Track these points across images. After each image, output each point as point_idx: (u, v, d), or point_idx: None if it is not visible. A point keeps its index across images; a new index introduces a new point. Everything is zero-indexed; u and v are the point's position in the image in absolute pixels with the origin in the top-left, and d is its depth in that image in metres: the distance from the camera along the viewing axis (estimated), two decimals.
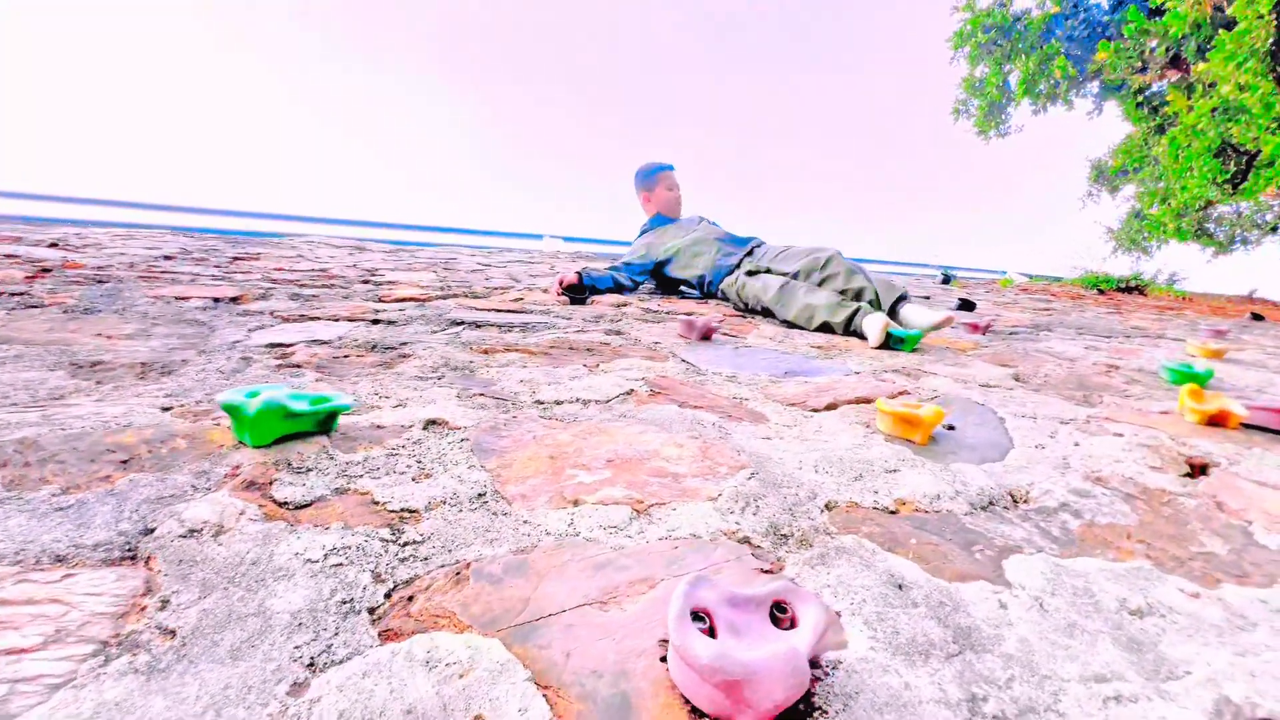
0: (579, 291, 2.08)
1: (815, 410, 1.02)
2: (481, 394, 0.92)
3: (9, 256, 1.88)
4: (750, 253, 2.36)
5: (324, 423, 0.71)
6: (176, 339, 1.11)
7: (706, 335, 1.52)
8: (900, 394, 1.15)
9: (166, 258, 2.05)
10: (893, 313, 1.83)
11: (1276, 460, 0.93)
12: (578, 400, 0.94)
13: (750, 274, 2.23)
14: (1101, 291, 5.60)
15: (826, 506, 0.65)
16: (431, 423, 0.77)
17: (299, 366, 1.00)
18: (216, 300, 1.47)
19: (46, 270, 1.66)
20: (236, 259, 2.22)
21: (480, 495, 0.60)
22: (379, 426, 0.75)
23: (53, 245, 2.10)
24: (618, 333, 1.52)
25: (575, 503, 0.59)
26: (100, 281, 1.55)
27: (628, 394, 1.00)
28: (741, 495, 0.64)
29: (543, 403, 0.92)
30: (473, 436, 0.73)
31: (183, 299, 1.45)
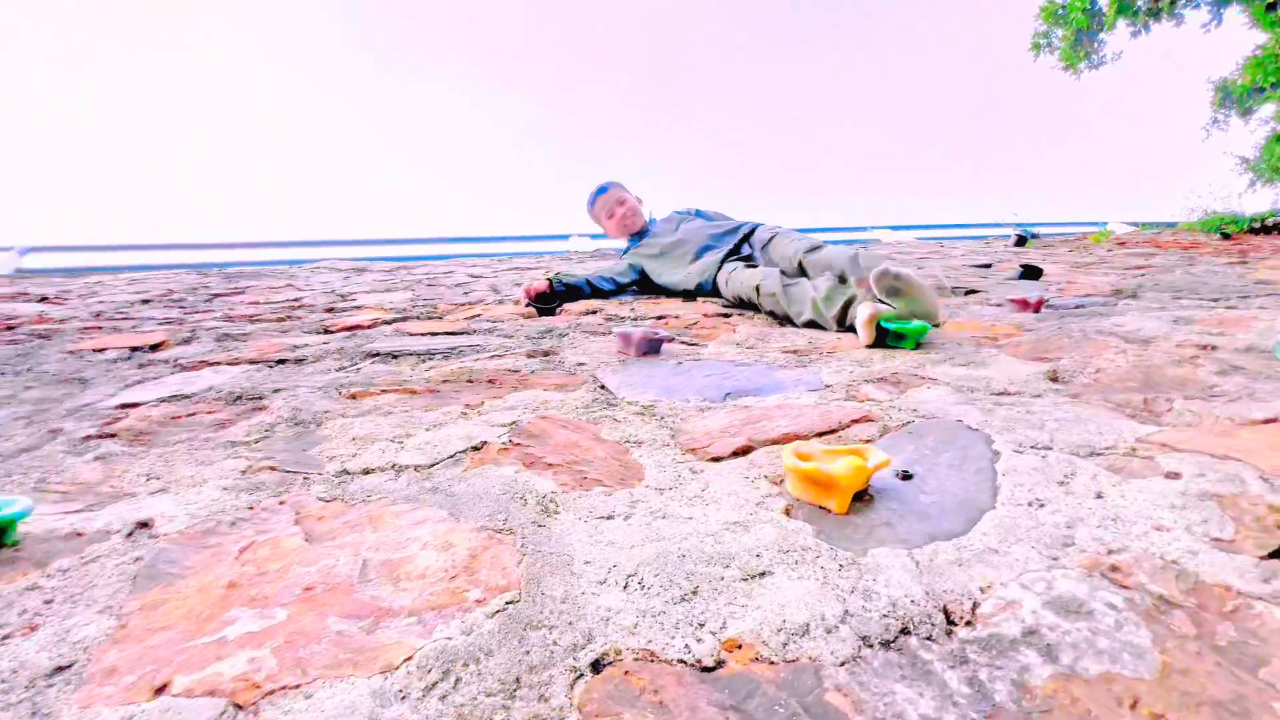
0: (548, 300, 1.89)
1: (718, 458, 0.76)
2: (273, 467, 0.74)
3: None
4: (746, 239, 2.06)
5: None
6: (30, 405, 1.02)
7: (653, 348, 1.28)
8: (857, 421, 0.86)
9: (144, 302, 2.07)
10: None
11: None
12: (394, 466, 0.74)
13: (745, 262, 1.95)
14: (1226, 236, 4.70)
15: (595, 665, 0.41)
16: (142, 525, 0.60)
17: (114, 436, 0.87)
18: (134, 349, 1.40)
19: (10, 328, 1.68)
20: (216, 296, 2.21)
21: (59, 670, 0.41)
22: (78, 534, 0.59)
23: (42, 299, 2.18)
24: (547, 353, 1.30)
25: (160, 689, 0.39)
26: (41, 337, 1.53)
27: (475, 449, 0.79)
28: (449, 656, 0.41)
29: (348, 472, 0.73)
30: (159, 549, 0.55)
31: (100, 350, 1.39)
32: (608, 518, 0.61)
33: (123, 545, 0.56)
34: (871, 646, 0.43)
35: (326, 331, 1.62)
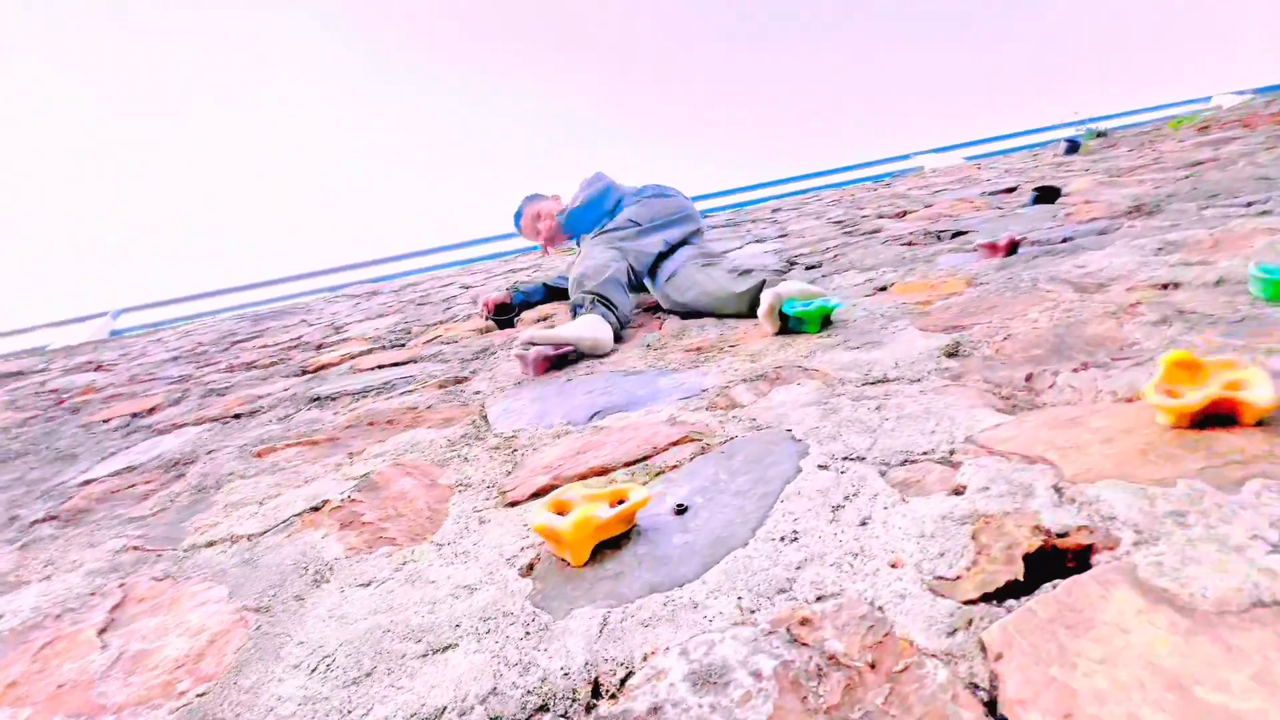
0: (507, 312, 1.93)
1: (515, 502, 0.77)
2: (138, 546, 0.84)
3: (38, 393, 2.27)
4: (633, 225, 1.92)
5: None
6: (23, 486, 1.21)
7: (555, 364, 1.29)
8: (676, 444, 0.84)
9: (174, 359, 2.33)
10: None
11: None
12: (232, 538, 0.82)
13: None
14: None
15: None
16: None
17: (56, 518, 1.01)
18: (134, 415, 1.60)
19: (60, 402, 1.96)
20: (235, 343, 2.45)
21: None
22: None
23: (97, 368, 2.51)
24: (459, 380, 1.35)
25: None
26: (73, 410, 1.79)
27: (314, 509, 0.85)
28: None
29: (196, 546, 0.81)
30: None
31: (107, 420, 1.60)
32: (364, 585, 0.65)
33: None
34: None
35: (303, 373, 1.76)
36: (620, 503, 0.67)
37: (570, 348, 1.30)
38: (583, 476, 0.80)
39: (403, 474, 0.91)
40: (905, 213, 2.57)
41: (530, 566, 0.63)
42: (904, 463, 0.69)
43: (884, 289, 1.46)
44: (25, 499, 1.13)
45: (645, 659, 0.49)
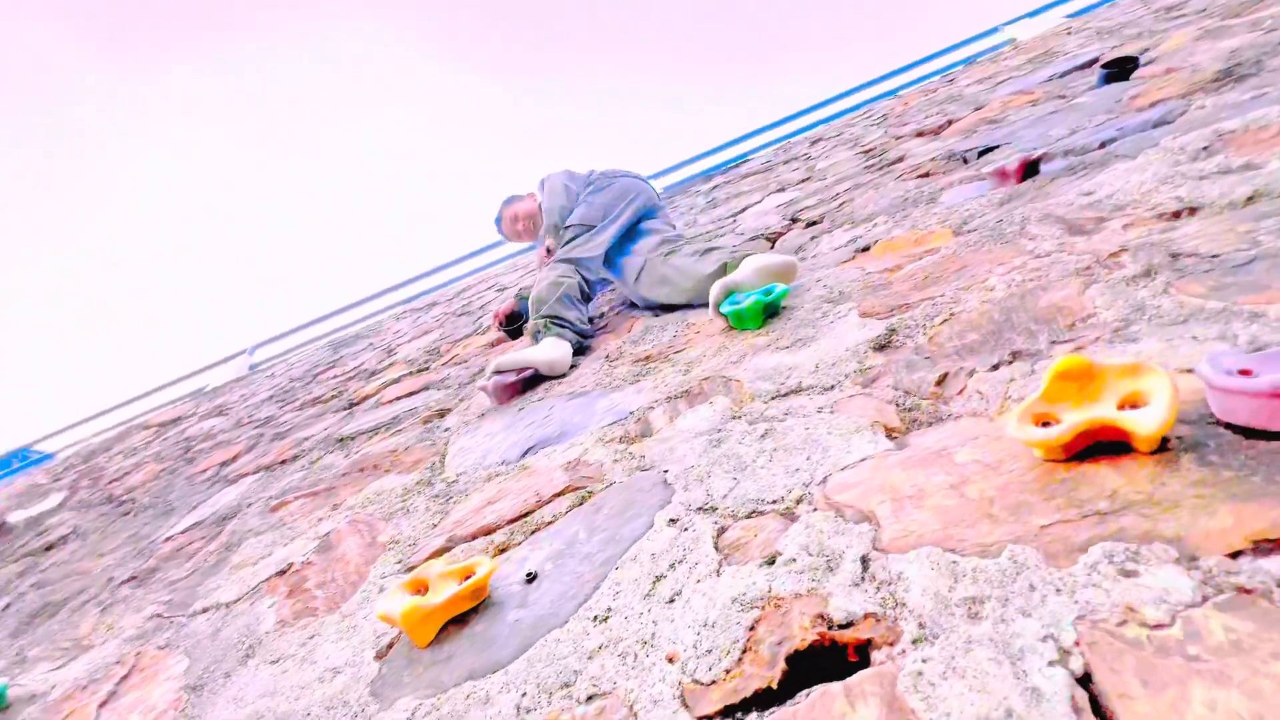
0: (517, 321, 1.98)
1: (412, 567, 0.82)
2: (161, 614, 1.02)
3: (178, 443, 2.72)
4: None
5: None
6: (127, 546, 1.49)
7: (521, 388, 1.32)
8: (559, 495, 0.83)
9: (270, 398, 2.69)
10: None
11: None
12: (218, 606, 0.96)
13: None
14: None
15: None
16: (32, 697, 0.90)
17: (135, 579, 1.25)
18: (223, 465, 1.89)
19: (186, 448, 2.36)
20: (315, 376, 2.76)
21: None
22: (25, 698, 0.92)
23: (219, 413, 2.96)
24: (445, 412, 1.42)
25: None
26: (188, 461, 2.14)
27: (280, 574, 0.97)
28: None
29: (196, 613, 0.97)
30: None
31: (203, 471, 1.90)
32: (273, 663, 0.74)
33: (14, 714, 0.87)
34: None
35: (348, 407, 1.96)
36: (468, 577, 0.69)
37: (530, 370, 1.32)
38: (473, 536, 0.83)
39: (354, 531, 1.01)
40: (948, 123, 2.22)
41: (389, 647, 0.68)
42: (751, 514, 0.64)
43: (866, 249, 1.30)
44: (127, 557, 1.40)
45: None
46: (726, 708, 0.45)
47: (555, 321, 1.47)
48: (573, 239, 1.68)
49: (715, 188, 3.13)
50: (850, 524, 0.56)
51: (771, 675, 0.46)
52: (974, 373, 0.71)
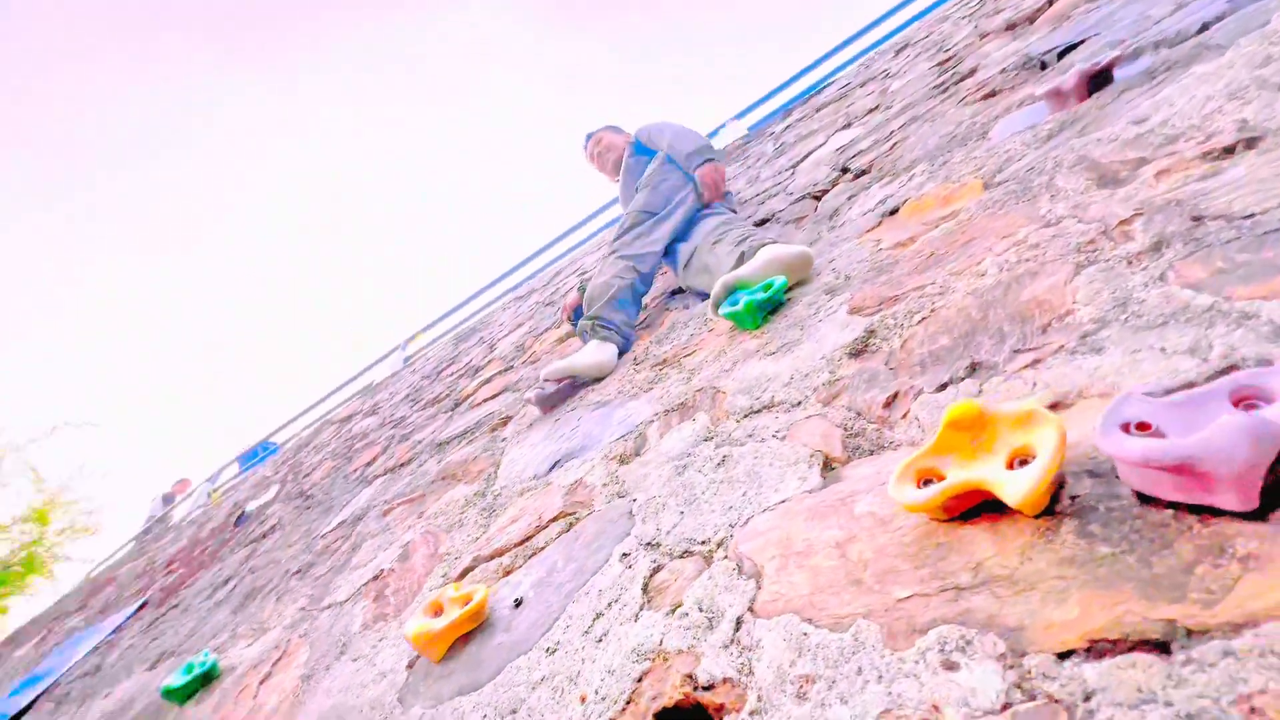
0: (579, 317, 2.09)
1: (449, 581, 0.97)
2: (305, 606, 1.31)
3: (345, 439, 3.25)
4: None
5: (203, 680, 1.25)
6: (304, 539, 1.89)
7: (561, 398, 1.42)
8: (555, 519, 0.92)
9: (406, 397, 3.12)
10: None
11: None
12: (321, 607, 1.21)
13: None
14: None
15: None
16: (259, 667, 1.22)
17: (299, 572, 1.60)
18: (366, 465, 2.28)
19: (350, 448, 2.85)
20: (440, 372, 3.13)
21: None
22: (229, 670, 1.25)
23: (372, 412, 3.48)
24: (508, 420, 1.58)
25: None
26: (347, 458, 2.60)
27: (374, 579, 1.19)
28: None
29: (324, 608, 1.23)
30: (221, 688, 1.15)
31: (355, 470, 2.31)
32: (354, 660, 0.95)
33: (234, 683, 1.19)
34: None
35: (454, 407, 2.24)
36: (468, 603, 0.82)
37: (567, 381, 1.41)
38: (491, 557, 0.96)
39: (424, 542, 1.20)
40: (1047, 4, 1.83)
41: (417, 658, 0.84)
42: (683, 554, 0.68)
43: (894, 212, 1.18)
44: (299, 551, 1.79)
45: None
46: None
47: (601, 324, 1.51)
48: (632, 228, 1.65)
49: (787, 128, 2.90)
50: (742, 579, 0.58)
51: None
52: (920, 393, 0.66)
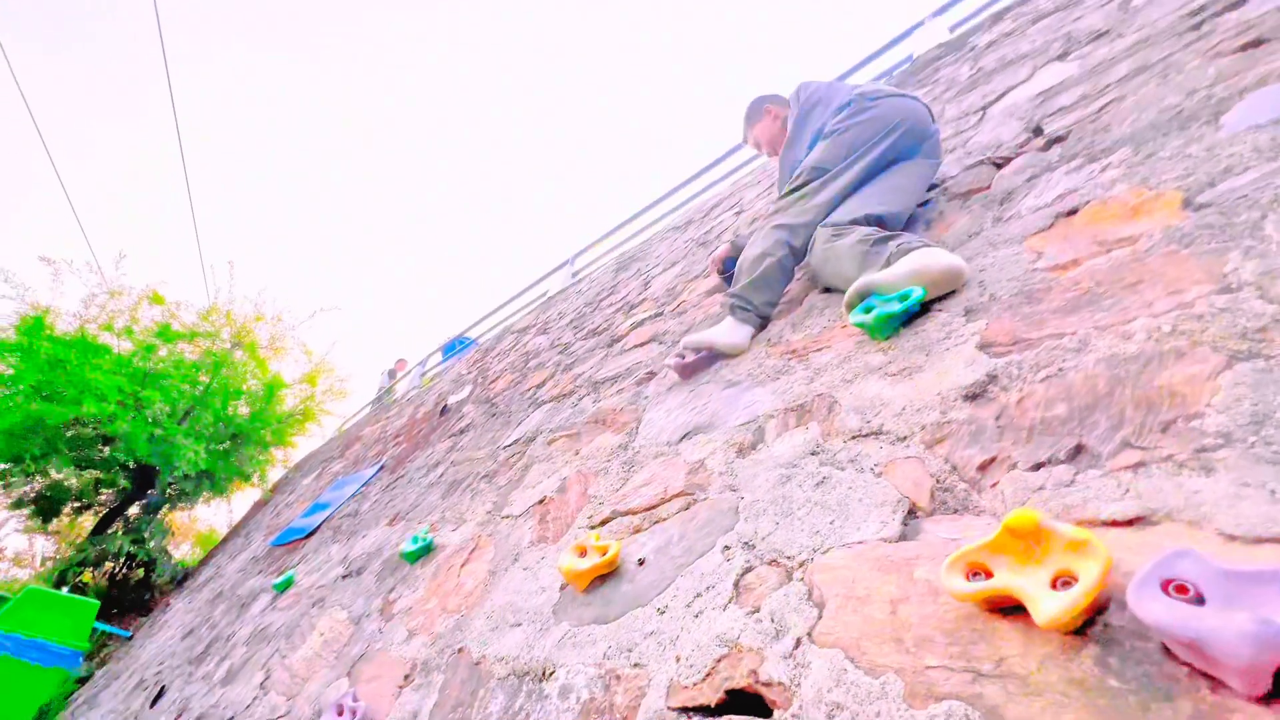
0: (731, 268, 2.14)
1: (590, 526, 1.22)
2: (462, 515, 1.69)
3: (523, 354, 3.73)
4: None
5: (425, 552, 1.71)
6: (490, 445, 2.34)
7: (700, 365, 1.55)
8: (677, 496, 1.08)
9: (570, 322, 3.46)
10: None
11: None
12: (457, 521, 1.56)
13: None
14: None
15: None
16: (440, 547, 1.64)
17: (486, 475, 2.02)
18: (537, 386, 2.67)
19: (526, 362, 3.32)
20: (601, 301, 3.40)
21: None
22: (441, 548, 1.69)
23: (543, 331, 3.91)
24: (651, 376, 1.75)
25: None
26: (524, 375, 3.04)
27: (535, 504, 1.50)
28: None
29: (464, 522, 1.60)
30: (440, 557, 1.57)
31: (528, 389, 2.72)
32: (525, 569, 1.26)
33: (450, 554, 1.62)
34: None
35: (611, 344, 2.50)
36: (605, 553, 1.05)
37: (705, 351, 1.53)
38: (626, 514, 1.18)
39: (578, 480, 1.48)
40: None
41: (566, 585, 1.11)
42: (770, 562, 0.81)
43: (1073, 213, 1.06)
44: (486, 457, 2.24)
45: (557, 666, 0.92)
46: (684, 707, 0.71)
47: (740, 304, 1.51)
48: (795, 190, 1.51)
49: (991, 45, 2.46)
50: (809, 605, 0.70)
51: (716, 697, 0.69)
52: (1015, 466, 0.69)
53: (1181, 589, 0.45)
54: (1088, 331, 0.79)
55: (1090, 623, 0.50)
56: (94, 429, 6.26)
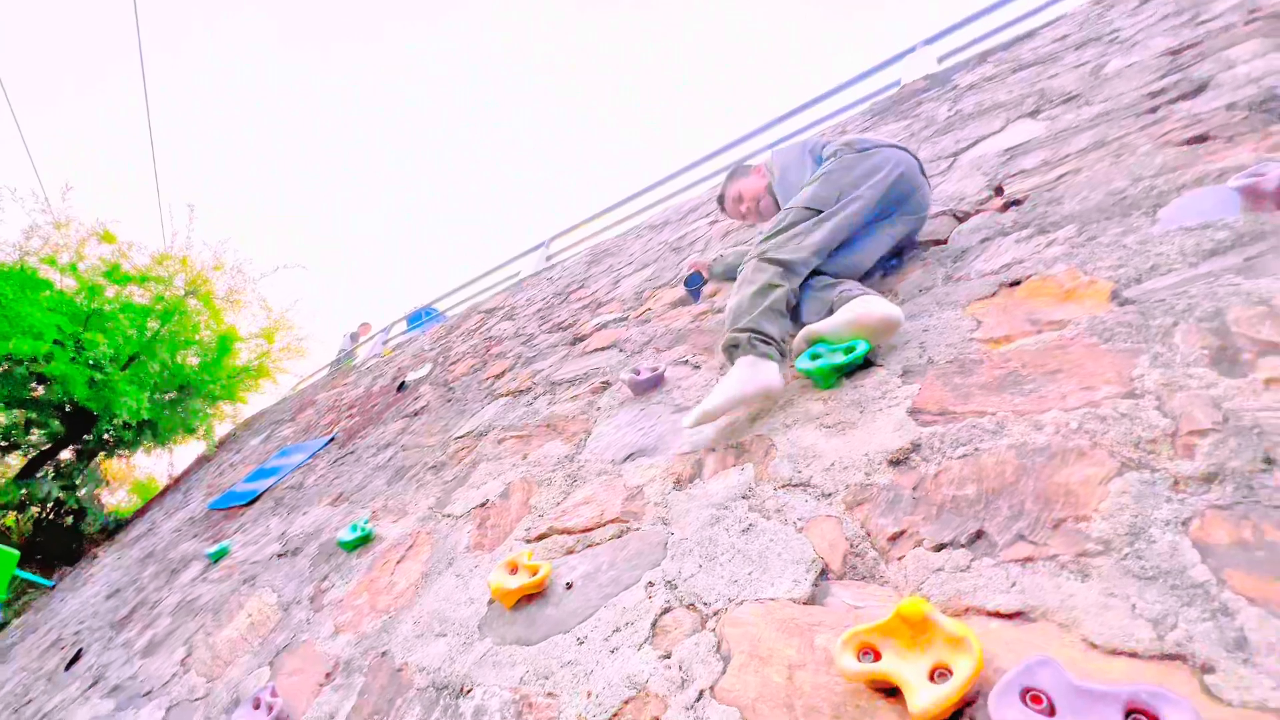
0: (695, 283, 2.15)
1: (526, 540, 1.23)
2: (433, 507, 1.68)
3: (486, 338, 3.69)
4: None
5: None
6: (442, 433, 2.32)
7: (649, 385, 1.57)
8: (612, 521, 1.10)
9: (537, 311, 3.44)
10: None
11: None
12: (433, 513, 1.56)
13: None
14: None
15: None
16: (371, 539, 1.64)
17: (434, 466, 2.01)
18: (495, 378, 2.65)
19: (488, 349, 3.29)
20: (570, 294, 3.39)
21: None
22: (377, 540, 1.68)
23: (509, 317, 3.87)
24: (606, 387, 1.77)
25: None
26: (484, 363, 3.02)
27: (476, 507, 1.51)
28: None
29: (438, 514, 1.60)
30: (373, 552, 1.56)
31: (486, 378, 2.70)
32: (457, 575, 1.27)
33: (386, 550, 1.61)
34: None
35: (573, 342, 2.50)
36: (535, 573, 1.06)
37: (657, 377, 1.55)
38: (565, 531, 1.20)
39: (521, 487, 1.48)
40: None
41: (491, 600, 1.12)
42: (689, 605, 0.84)
43: (1015, 284, 1.11)
44: (437, 445, 2.22)
45: (475, 684, 0.94)
46: None
47: (758, 338, 1.23)
48: (789, 227, 1.37)
49: (972, 87, 2.51)
50: (715, 658, 0.73)
51: None
52: (921, 543, 0.73)
53: (1037, 699, 0.49)
54: (1006, 415, 0.83)
55: (959, 714, 0.54)
56: (27, 367, 5.95)
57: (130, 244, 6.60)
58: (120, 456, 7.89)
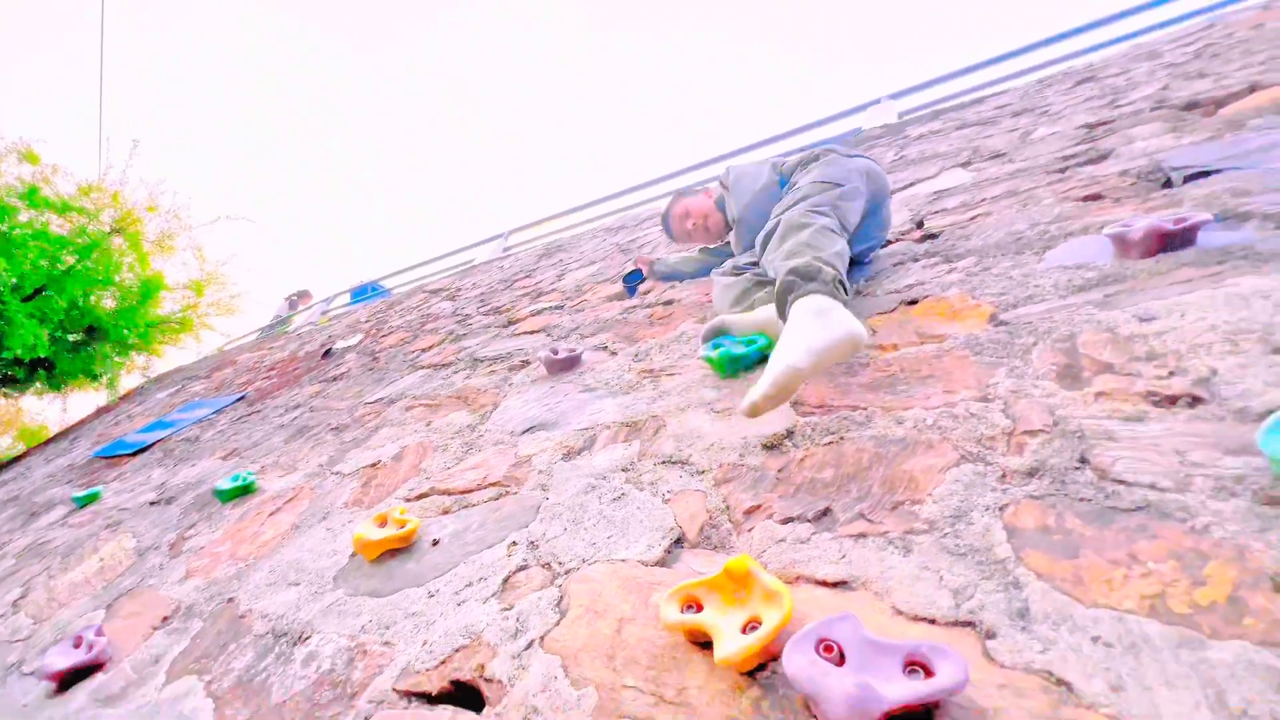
0: (633, 279, 2.16)
1: (407, 499, 1.19)
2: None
3: (423, 316, 3.60)
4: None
5: None
6: (354, 399, 2.23)
7: (566, 365, 1.56)
8: (495, 484, 1.08)
9: (478, 295, 3.38)
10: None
11: None
12: (320, 471, 1.49)
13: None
14: None
15: None
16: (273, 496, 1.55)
17: (338, 428, 1.92)
18: (423, 351, 2.58)
19: (424, 324, 3.19)
20: (515, 282, 3.35)
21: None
22: (263, 492, 1.59)
23: (451, 298, 3.80)
24: (525, 365, 1.74)
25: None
26: (416, 337, 2.93)
27: (367, 467, 1.45)
28: None
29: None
30: (256, 500, 1.47)
31: (413, 351, 2.62)
32: (328, 530, 1.20)
33: (269, 500, 1.52)
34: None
35: (506, 325, 2.46)
36: (404, 526, 1.02)
37: (574, 357, 1.54)
38: (446, 492, 1.16)
39: (416, 450, 1.43)
40: (1231, 96, 1.54)
41: (356, 552, 1.07)
42: (544, 565, 0.82)
43: (914, 303, 1.16)
44: (345, 410, 2.13)
45: (315, 632, 0.89)
46: (408, 691, 0.70)
47: (834, 274, 1.02)
48: (833, 185, 1.24)
49: (920, 137, 2.66)
50: (554, 610, 0.72)
51: (440, 685, 0.69)
52: (772, 516, 0.74)
53: (829, 649, 0.49)
54: (875, 411, 0.86)
55: (763, 668, 0.55)
56: None
57: (55, 168, 6.14)
58: (6, 396, 7.23)
